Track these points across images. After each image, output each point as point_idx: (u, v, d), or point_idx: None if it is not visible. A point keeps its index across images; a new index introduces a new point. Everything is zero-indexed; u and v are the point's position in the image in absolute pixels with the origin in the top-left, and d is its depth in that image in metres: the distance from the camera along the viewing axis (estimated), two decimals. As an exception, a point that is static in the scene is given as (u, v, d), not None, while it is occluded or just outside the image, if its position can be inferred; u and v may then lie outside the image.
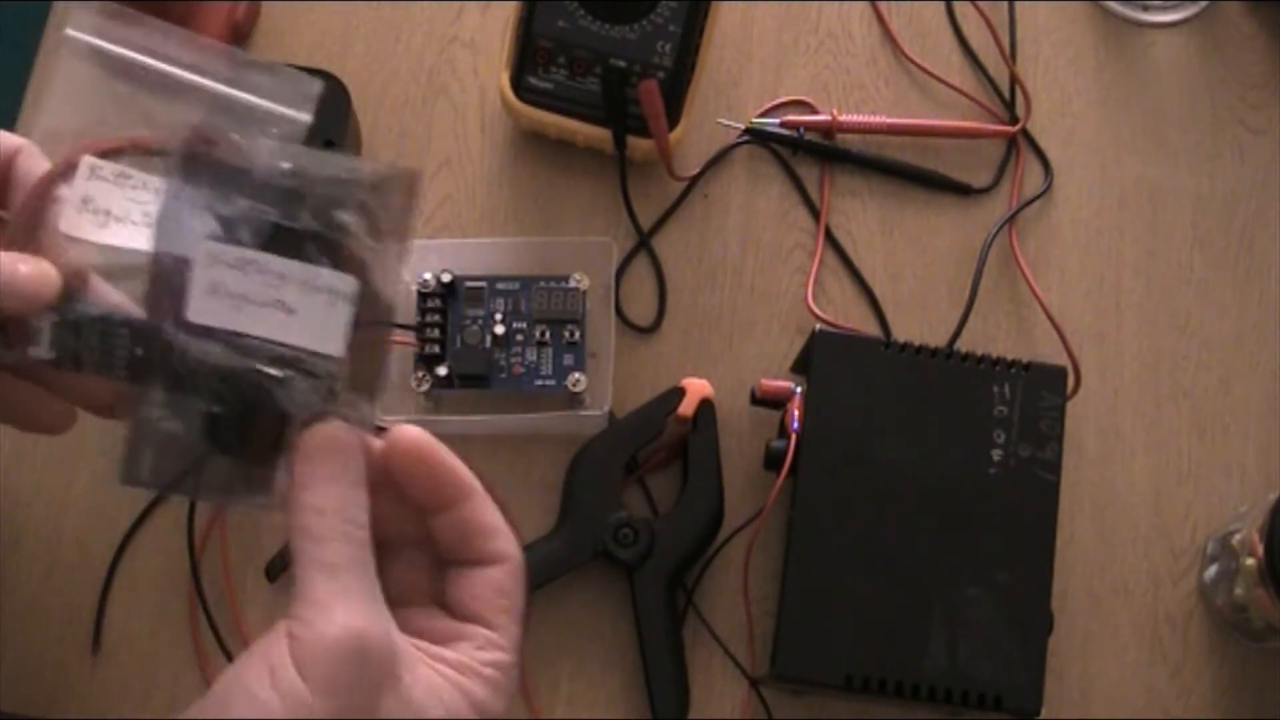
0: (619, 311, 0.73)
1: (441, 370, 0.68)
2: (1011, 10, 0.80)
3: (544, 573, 0.66)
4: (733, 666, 0.68)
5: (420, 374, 0.68)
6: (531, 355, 0.69)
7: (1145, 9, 0.81)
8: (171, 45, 0.47)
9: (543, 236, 0.74)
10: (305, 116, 0.48)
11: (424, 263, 0.70)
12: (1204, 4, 0.81)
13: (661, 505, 0.70)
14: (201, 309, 0.43)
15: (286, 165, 0.44)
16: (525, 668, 0.67)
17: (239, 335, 0.43)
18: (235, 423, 0.44)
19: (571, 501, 0.67)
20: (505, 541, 0.45)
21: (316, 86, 0.49)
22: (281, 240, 0.44)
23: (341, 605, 0.40)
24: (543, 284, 0.70)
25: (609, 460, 0.68)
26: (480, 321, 0.69)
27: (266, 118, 0.48)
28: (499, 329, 0.69)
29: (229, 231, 0.44)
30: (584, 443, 0.68)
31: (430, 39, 0.78)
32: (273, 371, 0.43)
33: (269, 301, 0.44)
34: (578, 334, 0.69)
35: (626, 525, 0.66)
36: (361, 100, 0.75)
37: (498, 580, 0.45)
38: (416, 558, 0.47)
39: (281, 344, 0.44)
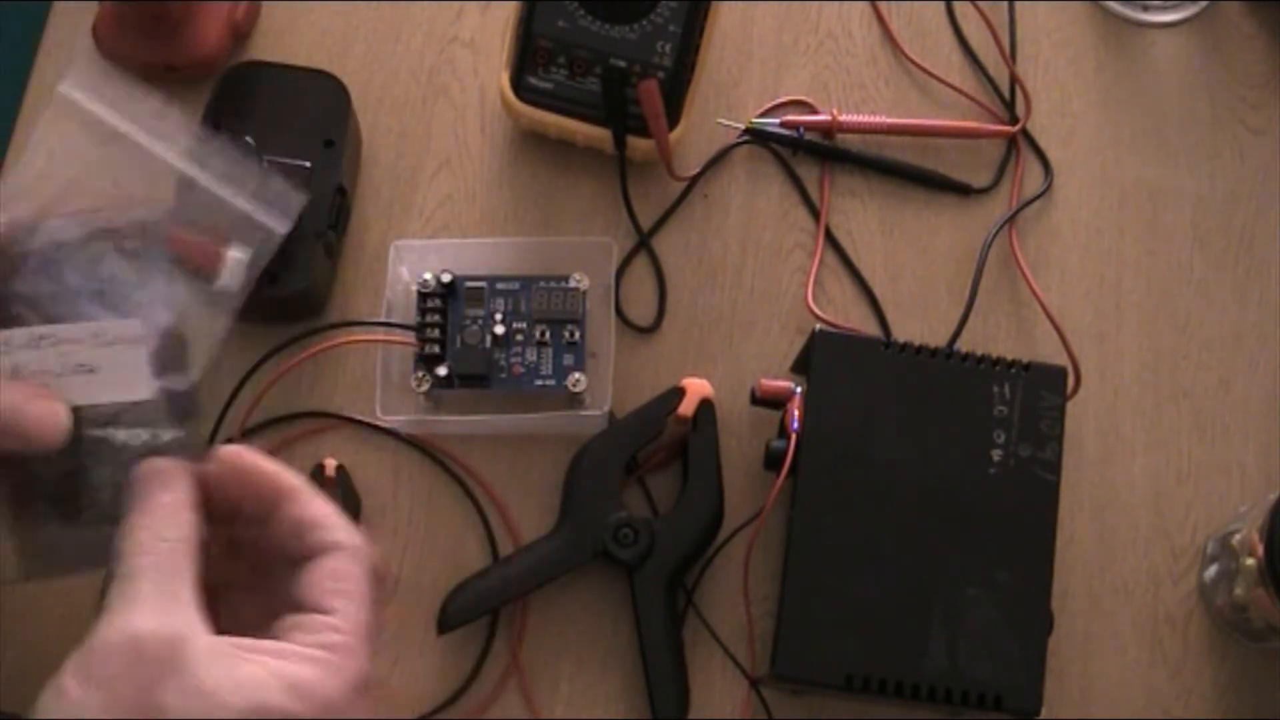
0: (619, 311, 0.73)
1: (441, 370, 0.68)
2: (1011, 10, 0.80)
3: (544, 573, 0.66)
4: (733, 666, 0.68)
5: (420, 374, 0.68)
6: (531, 355, 0.69)
7: (1145, 9, 0.81)
8: (166, 124, 0.49)
9: (543, 236, 0.74)
10: (283, 228, 0.49)
11: (424, 263, 0.70)
12: (1204, 4, 0.81)
13: (661, 505, 0.70)
14: None
15: (47, 238, 0.47)
16: (525, 668, 0.67)
17: None
18: (70, 494, 0.46)
19: (571, 501, 0.67)
20: (338, 530, 0.46)
21: (300, 202, 0.50)
22: (61, 304, 0.46)
23: (122, 610, 0.41)
24: (543, 284, 0.70)
25: (609, 460, 0.68)
26: (480, 321, 0.69)
27: (243, 224, 0.49)
28: (499, 329, 0.69)
29: (10, 314, 0.46)
30: (584, 443, 0.68)
31: (430, 39, 0.78)
32: (96, 434, 0.46)
33: (71, 369, 0.46)
34: (578, 334, 0.69)
35: (626, 525, 0.66)
36: (361, 100, 0.75)
37: (330, 567, 0.45)
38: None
39: (95, 406, 0.46)
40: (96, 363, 0.46)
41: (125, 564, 0.43)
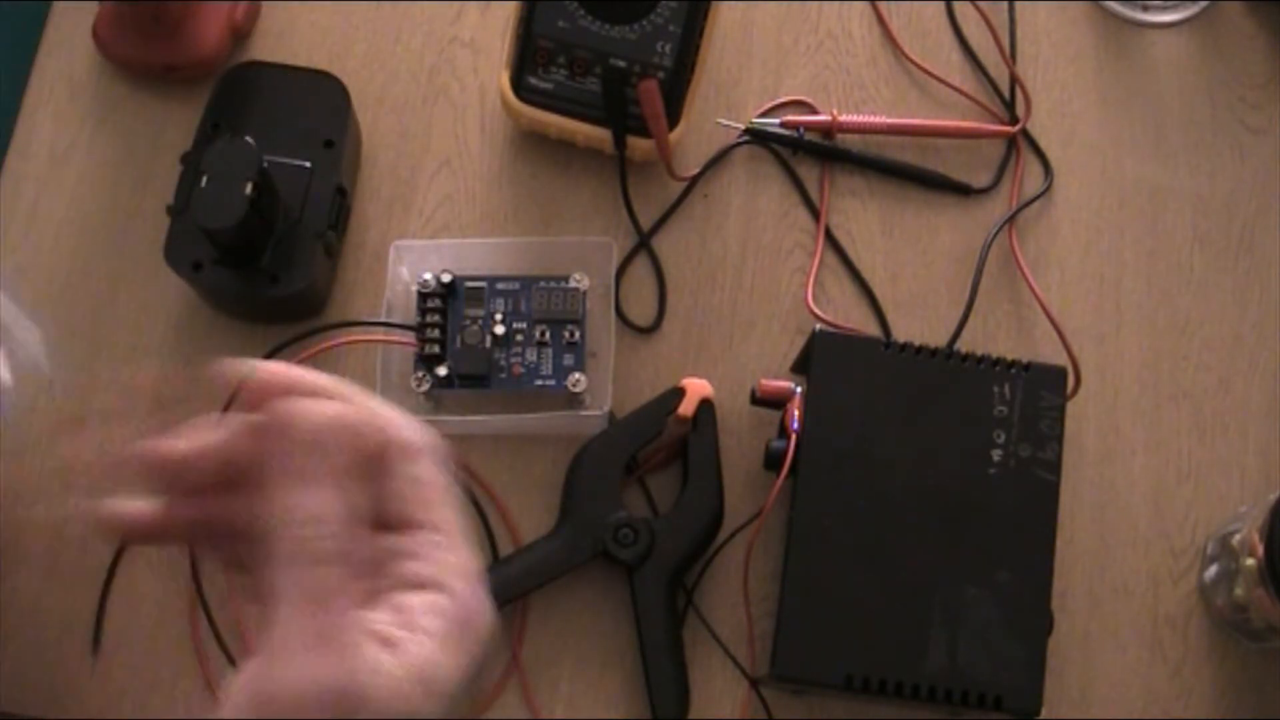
0: (619, 311, 0.73)
1: (441, 370, 0.68)
2: (1011, 10, 0.80)
3: (544, 573, 0.66)
4: (733, 666, 0.68)
5: (420, 374, 0.68)
6: (531, 355, 0.69)
7: (1145, 9, 0.81)
8: None
9: (543, 236, 0.74)
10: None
11: (424, 263, 0.70)
12: (1204, 4, 0.81)
13: (661, 505, 0.70)
14: None
15: None
16: (525, 668, 0.67)
17: None
18: None
19: (571, 501, 0.67)
20: (405, 429, 0.41)
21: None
22: None
23: (283, 657, 0.37)
24: (543, 284, 0.70)
25: (609, 460, 0.68)
26: (480, 321, 0.69)
27: None
28: (499, 329, 0.69)
29: None
30: (584, 443, 0.68)
31: (430, 39, 0.78)
32: None
33: None
34: (578, 334, 0.69)
35: (626, 525, 0.66)
36: (361, 100, 0.75)
37: (412, 475, 0.41)
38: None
39: None
40: None
41: (272, 596, 0.37)
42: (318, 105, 0.72)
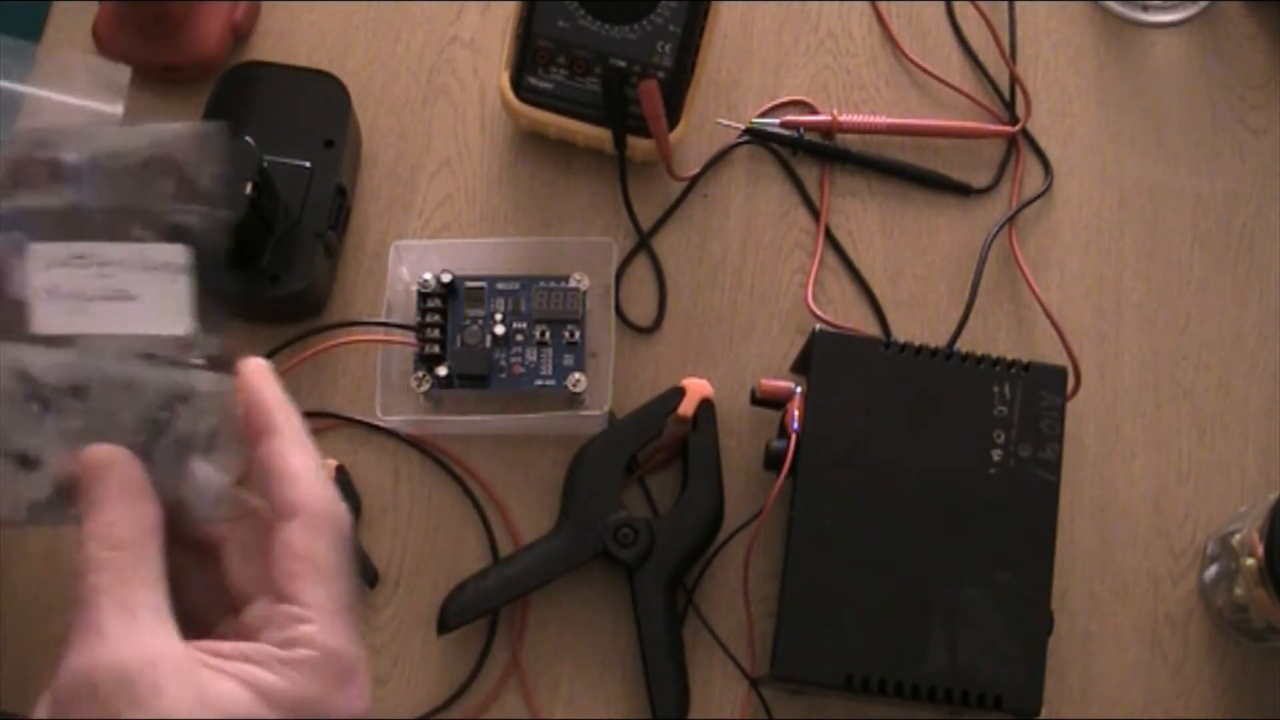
0: (619, 311, 0.73)
1: (441, 370, 0.68)
2: (1011, 10, 0.80)
3: (544, 573, 0.66)
4: (733, 666, 0.68)
5: (420, 374, 0.68)
6: (531, 355, 0.69)
7: (1145, 9, 0.81)
8: None
9: (543, 236, 0.74)
10: (116, 109, 0.46)
11: (424, 263, 0.70)
12: (1204, 4, 0.81)
13: (661, 505, 0.70)
14: (45, 319, 0.41)
15: (72, 156, 0.42)
16: (525, 668, 0.67)
17: (88, 338, 0.41)
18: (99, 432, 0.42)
19: (571, 501, 0.67)
20: (302, 488, 0.42)
21: (125, 75, 0.46)
22: (110, 226, 0.42)
23: (77, 644, 0.39)
24: (543, 284, 0.70)
25: (609, 460, 0.68)
26: (480, 321, 0.69)
27: (77, 113, 0.45)
28: (499, 329, 0.69)
29: (56, 230, 0.42)
30: (584, 443, 0.68)
31: (430, 39, 0.78)
32: (119, 372, 0.41)
33: (109, 294, 0.42)
34: (578, 334, 0.69)
35: (626, 525, 0.66)
36: (361, 100, 0.75)
37: (287, 542, 0.41)
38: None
39: (131, 336, 0.42)
40: (138, 290, 0.41)
41: (78, 585, 0.40)
42: (318, 105, 0.72)
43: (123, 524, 0.41)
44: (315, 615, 0.40)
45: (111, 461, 0.41)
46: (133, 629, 0.39)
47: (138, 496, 0.41)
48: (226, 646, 0.40)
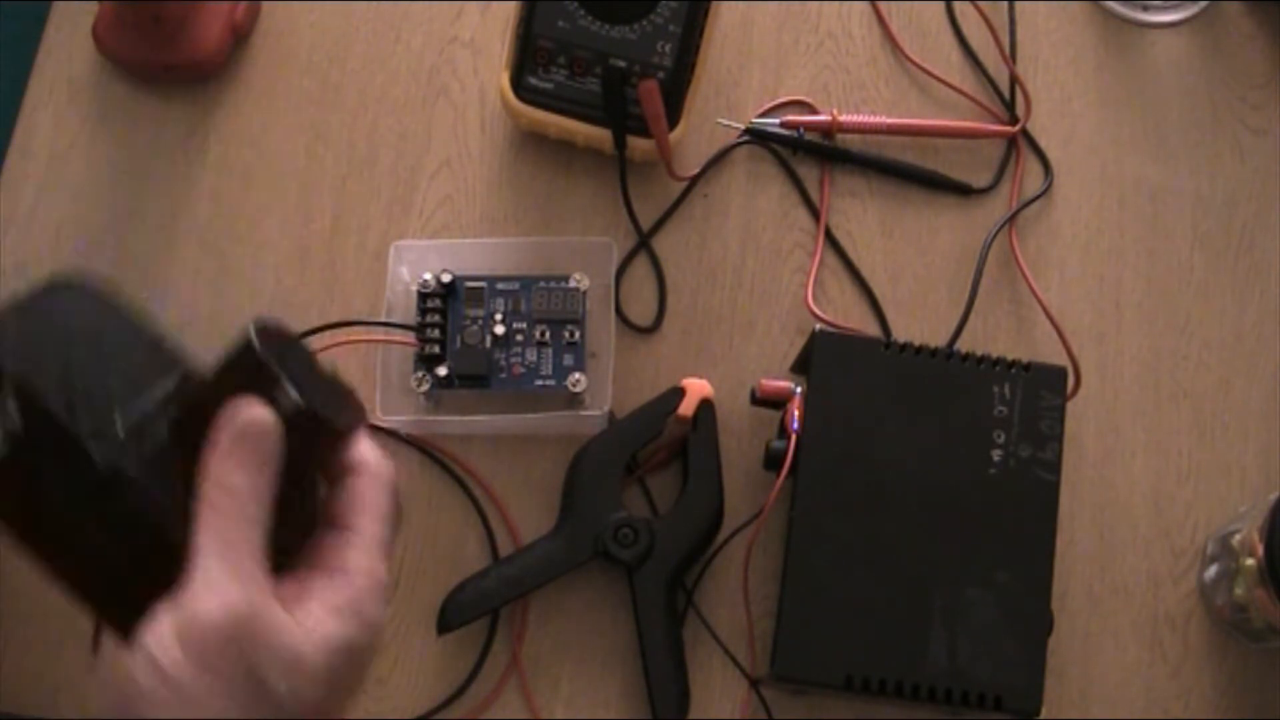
0: (619, 311, 0.73)
1: (441, 370, 0.68)
2: (1011, 10, 0.80)
3: (544, 573, 0.66)
4: (733, 666, 0.68)
5: (420, 374, 0.68)
6: (531, 355, 0.69)
7: (1145, 9, 0.81)
8: None
9: (543, 236, 0.74)
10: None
11: (424, 263, 0.70)
12: (1204, 4, 0.81)
13: (661, 505, 0.70)
14: None
15: None
16: (525, 667, 0.67)
17: None
18: None
19: (571, 501, 0.67)
20: (364, 448, 0.46)
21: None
22: None
23: (209, 586, 0.41)
24: (543, 284, 0.70)
25: (609, 460, 0.68)
26: (480, 321, 0.69)
27: None
28: (499, 329, 0.69)
29: None
30: (584, 443, 0.68)
31: (430, 39, 0.78)
32: None
33: None
34: (578, 334, 0.69)
35: (626, 525, 0.66)
36: (362, 100, 0.75)
37: (357, 488, 0.46)
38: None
39: None
40: None
41: (198, 535, 0.42)
42: None
43: (251, 484, 0.43)
44: (369, 542, 0.45)
45: (264, 432, 0.43)
46: (253, 580, 0.42)
47: (268, 461, 0.43)
48: (298, 586, 0.43)
